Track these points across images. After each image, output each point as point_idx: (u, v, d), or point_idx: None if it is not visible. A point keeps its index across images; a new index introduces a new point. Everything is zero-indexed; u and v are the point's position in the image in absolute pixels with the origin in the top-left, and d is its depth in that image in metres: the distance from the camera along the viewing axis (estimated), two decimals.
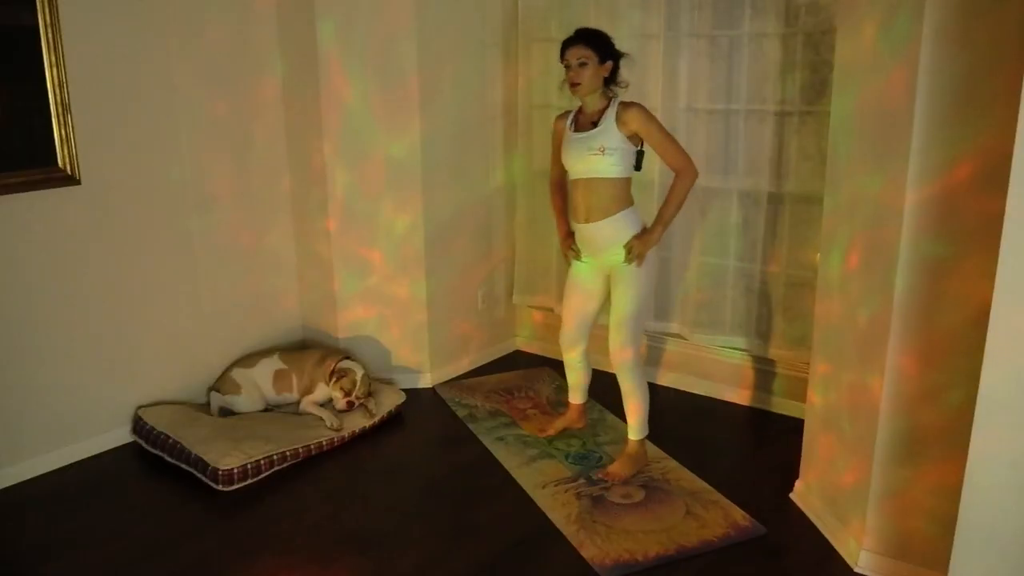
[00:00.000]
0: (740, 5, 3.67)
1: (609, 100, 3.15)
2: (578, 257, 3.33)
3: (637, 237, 3.15)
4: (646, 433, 3.37)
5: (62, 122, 3.29)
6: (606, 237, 3.18)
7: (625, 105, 3.10)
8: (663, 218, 3.15)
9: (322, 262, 4.18)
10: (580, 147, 3.15)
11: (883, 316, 2.51)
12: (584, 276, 3.35)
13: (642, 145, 3.15)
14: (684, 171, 3.11)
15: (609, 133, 3.09)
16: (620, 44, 3.20)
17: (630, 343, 3.22)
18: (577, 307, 3.41)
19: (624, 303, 3.19)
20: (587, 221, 3.19)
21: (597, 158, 3.10)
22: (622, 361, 3.24)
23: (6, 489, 3.31)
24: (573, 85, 3.11)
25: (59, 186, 3.33)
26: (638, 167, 3.18)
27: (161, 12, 3.56)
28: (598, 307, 3.41)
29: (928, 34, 2.24)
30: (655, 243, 3.17)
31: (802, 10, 3.51)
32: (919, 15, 2.26)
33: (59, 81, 3.25)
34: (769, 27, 3.61)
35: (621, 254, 3.17)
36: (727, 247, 3.94)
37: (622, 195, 3.16)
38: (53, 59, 3.22)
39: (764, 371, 3.97)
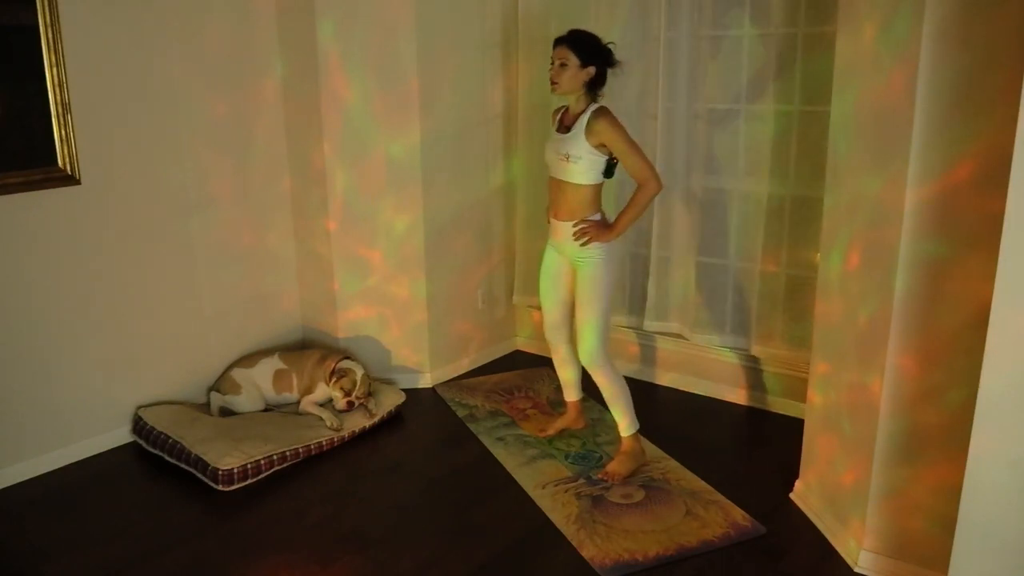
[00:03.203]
0: (740, 5, 3.67)
1: (588, 105, 3.16)
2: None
3: (596, 225, 3.19)
4: (637, 427, 3.37)
5: (62, 122, 3.29)
6: (567, 237, 3.23)
7: (597, 114, 3.11)
8: (618, 226, 3.18)
9: (322, 262, 4.18)
10: (552, 148, 3.22)
11: (883, 316, 2.51)
12: (553, 263, 3.42)
13: (614, 154, 3.16)
14: (646, 183, 3.11)
15: (576, 141, 3.11)
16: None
17: (600, 342, 3.25)
18: (552, 294, 3.47)
19: (589, 305, 3.23)
20: (555, 218, 3.28)
21: (564, 163, 3.15)
22: (593, 361, 3.27)
23: (6, 489, 3.31)
24: (551, 84, 3.16)
25: (59, 186, 3.33)
26: (608, 175, 3.19)
27: (161, 12, 3.56)
28: (572, 293, 3.43)
29: (928, 34, 2.24)
30: (606, 240, 3.19)
31: (802, 10, 3.50)
32: (919, 15, 2.26)
33: (59, 81, 3.25)
34: (769, 27, 3.61)
35: (581, 254, 3.21)
36: (727, 247, 3.94)
37: (588, 201, 3.19)
38: (53, 59, 3.22)
39: (764, 371, 3.97)
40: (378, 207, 4.08)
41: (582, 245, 3.19)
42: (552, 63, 3.15)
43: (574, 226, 3.20)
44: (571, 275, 3.37)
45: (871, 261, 2.58)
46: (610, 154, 3.13)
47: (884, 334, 2.50)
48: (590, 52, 3.11)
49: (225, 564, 2.82)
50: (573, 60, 3.09)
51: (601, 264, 3.20)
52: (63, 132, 3.30)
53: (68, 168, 3.34)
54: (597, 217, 3.22)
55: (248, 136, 4.00)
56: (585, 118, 3.11)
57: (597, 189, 3.21)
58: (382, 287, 4.19)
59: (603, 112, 3.12)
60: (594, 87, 3.16)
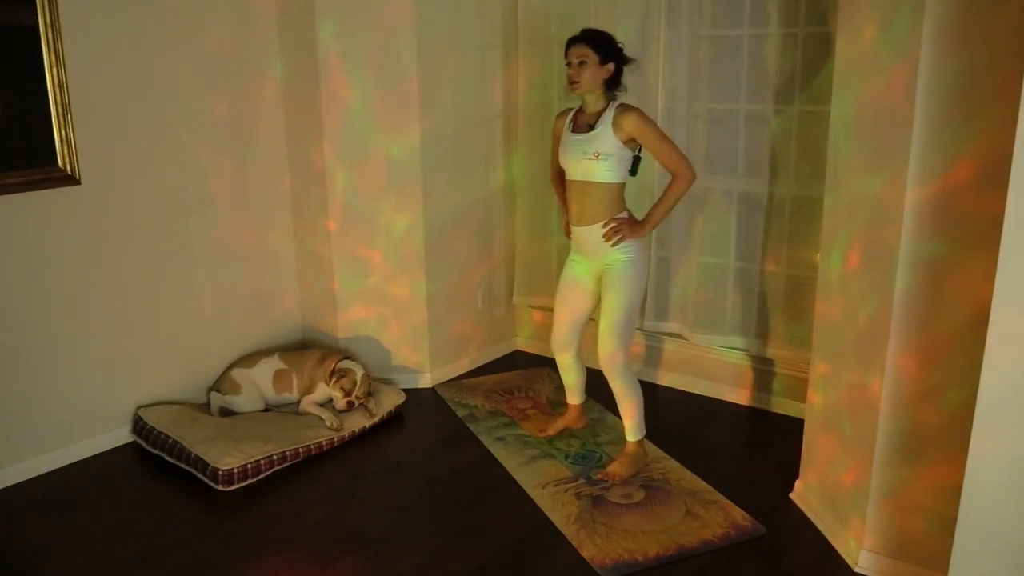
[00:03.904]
0: (740, 5, 3.67)
1: (608, 102, 3.14)
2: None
3: (626, 222, 3.16)
4: (643, 433, 3.37)
5: (62, 122, 3.29)
6: (596, 241, 3.18)
7: (623, 109, 3.09)
8: (653, 219, 3.15)
9: (322, 262, 4.19)
10: (576, 150, 3.14)
11: (883, 316, 2.51)
12: (577, 275, 3.35)
13: (640, 150, 3.14)
14: (681, 174, 3.09)
15: (604, 138, 3.08)
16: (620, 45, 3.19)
17: (620, 347, 3.21)
18: (570, 307, 3.40)
19: (614, 306, 3.18)
20: (579, 224, 3.21)
21: (591, 162, 3.10)
22: (612, 365, 3.23)
23: (6, 489, 3.31)
24: (572, 83, 3.12)
25: (59, 186, 3.33)
26: (634, 172, 3.17)
27: (161, 12, 3.56)
28: (590, 307, 3.39)
29: (928, 34, 2.24)
30: (640, 236, 3.16)
31: (802, 10, 3.51)
32: (919, 15, 2.26)
33: (59, 81, 3.25)
34: (769, 27, 3.61)
35: (611, 256, 3.17)
36: (727, 247, 3.94)
37: (615, 200, 3.16)
38: (53, 59, 3.22)
39: (764, 371, 3.97)
40: (378, 207, 4.08)
41: (614, 245, 3.14)
42: (569, 63, 3.11)
43: (603, 227, 3.15)
44: (594, 290, 3.32)
45: (871, 261, 2.58)
46: (636, 149, 3.12)
47: (884, 334, 2.50)
48: (608, 49, 3.10)
49: (225, 564, 2.82)
50: (593, 57, 3.07)
51: (630, 266, 3.16)
52: (63, 132, 3.30)
53: (68, 168, 3.34)
54: (624, 215, 3.19)
55: (248, 136, 4.00)
56: (610, 114, 3.09)
57: (622, 188, 3.17)
58: (382, 287, 4.19)
59: (630, 107, 3.10)
60: (612, 85, 3.14)
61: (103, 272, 3.54)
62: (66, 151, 3.32)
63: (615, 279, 3.18)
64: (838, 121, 2.80)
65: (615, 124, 3.07)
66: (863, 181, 2.62)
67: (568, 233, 3.38)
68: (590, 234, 3.18)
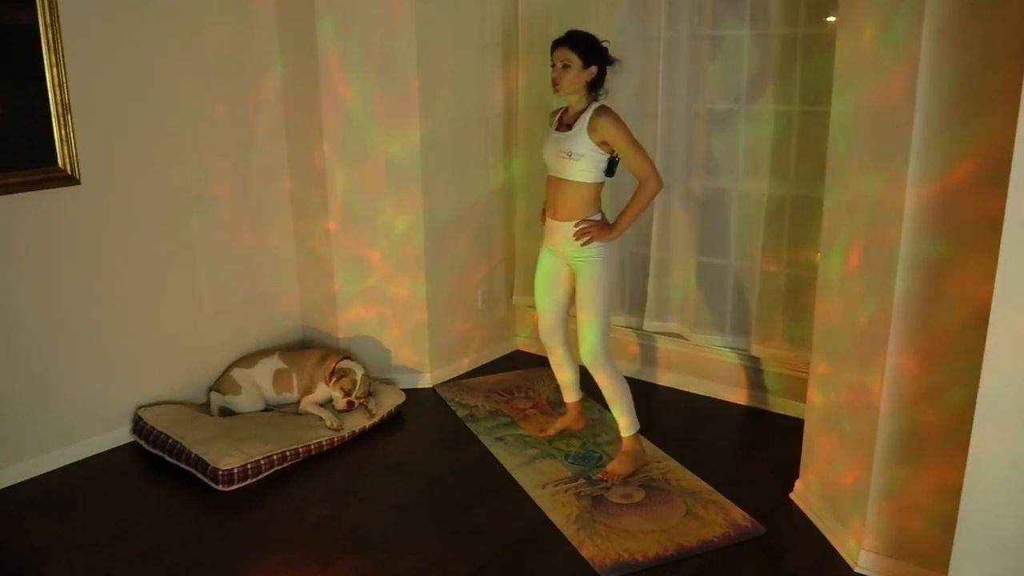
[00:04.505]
0: (740, 5, 3.67)
1: (589, 104, 3.16)
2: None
3: (597, 224, 3.18)
4: (637, 428, 3.37)
5: (62, 122, 3.29)
6: (567, 237, 3.22)
7: (599, 112, 3.12)
8: (620, 225, 3.17)
9: (322, 262, 4.19)
10: (553, 147, 3.22)
11: (883, 316, 2.51)
12: (549, 265, 3.41)
13: (616, 153, 3.16)
14: (647, 181, 3.11)
15: (578, 138, 3.12)
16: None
17: (600, 341, 3.25)
18: (548, 297, 3.45)
19: (588, 302, 3.23)
20: (553, 218, 3.27)
21: (565, 161, 3.15)
22: (595, 360, 3.27)
23: (6, 489, 3.31)
24: (554, 85, 3.17)
25: (59, 186, 3.33)
26: (610, 173, 3.19)
27: (161, 12, 3.56)
28: (568, 295, 3.43)
29: (928, 34, 2.24)
30: (607, 240, 3.19)
31: (802, 10, 3.51)
32: (919, 15, 2.26)
33: (59, 81, 3.25)
34: (769, 27, 3.61)
35: (580, 254, 3.20)
36: (727, 247, 3.94)
37: (589, 200, 3.19)
38: (53, 59, 3.22)
39: (764, 371, 3.97)
40: (378, 207, 4.08)
41: (583, 245, 3.19)
42: (553, 65, 3.15)
43: (575, 226, 3.19)
44: (567, 277, 3.37)
45: (871, 261, 2.59)
46: (612, 152, 3.14)
47: (884, 334, 2.50)
48: (592, 53, 3.12)
49: (225, 564, 2.82)
50: (576, 61, 3.10)
51: (600, 263, 3.20)
52: (63, 132, 3.30)
53: (68, 168, 3.34)
54: (597, 217, 3.22)
55: (248, 136, 4.00)
56: (587, 116, 3.12)
57: (598, 188, 3.21)
58: (382, 287, 4.19)
59: (605, 110, 3.12)
60: (595, 87, 3.17)
61: (103, 272, 3.53)
62: (66, 151, 3.32)
63: (586, 279, 3.22)
64: (838, 121, 2.80)
65: (590, 126, 3.10)
66: (863, 181, 2.62)
67: (543, 221, 3.42)
68: (563, 229, 3.24)
